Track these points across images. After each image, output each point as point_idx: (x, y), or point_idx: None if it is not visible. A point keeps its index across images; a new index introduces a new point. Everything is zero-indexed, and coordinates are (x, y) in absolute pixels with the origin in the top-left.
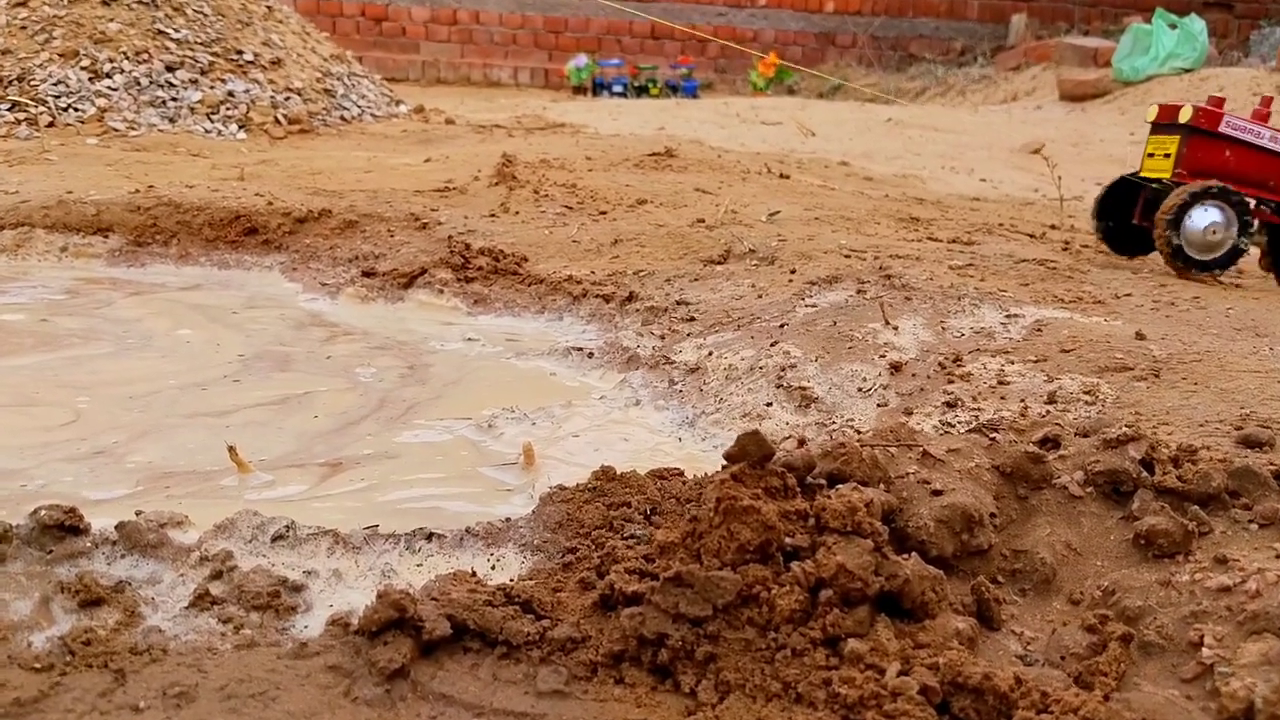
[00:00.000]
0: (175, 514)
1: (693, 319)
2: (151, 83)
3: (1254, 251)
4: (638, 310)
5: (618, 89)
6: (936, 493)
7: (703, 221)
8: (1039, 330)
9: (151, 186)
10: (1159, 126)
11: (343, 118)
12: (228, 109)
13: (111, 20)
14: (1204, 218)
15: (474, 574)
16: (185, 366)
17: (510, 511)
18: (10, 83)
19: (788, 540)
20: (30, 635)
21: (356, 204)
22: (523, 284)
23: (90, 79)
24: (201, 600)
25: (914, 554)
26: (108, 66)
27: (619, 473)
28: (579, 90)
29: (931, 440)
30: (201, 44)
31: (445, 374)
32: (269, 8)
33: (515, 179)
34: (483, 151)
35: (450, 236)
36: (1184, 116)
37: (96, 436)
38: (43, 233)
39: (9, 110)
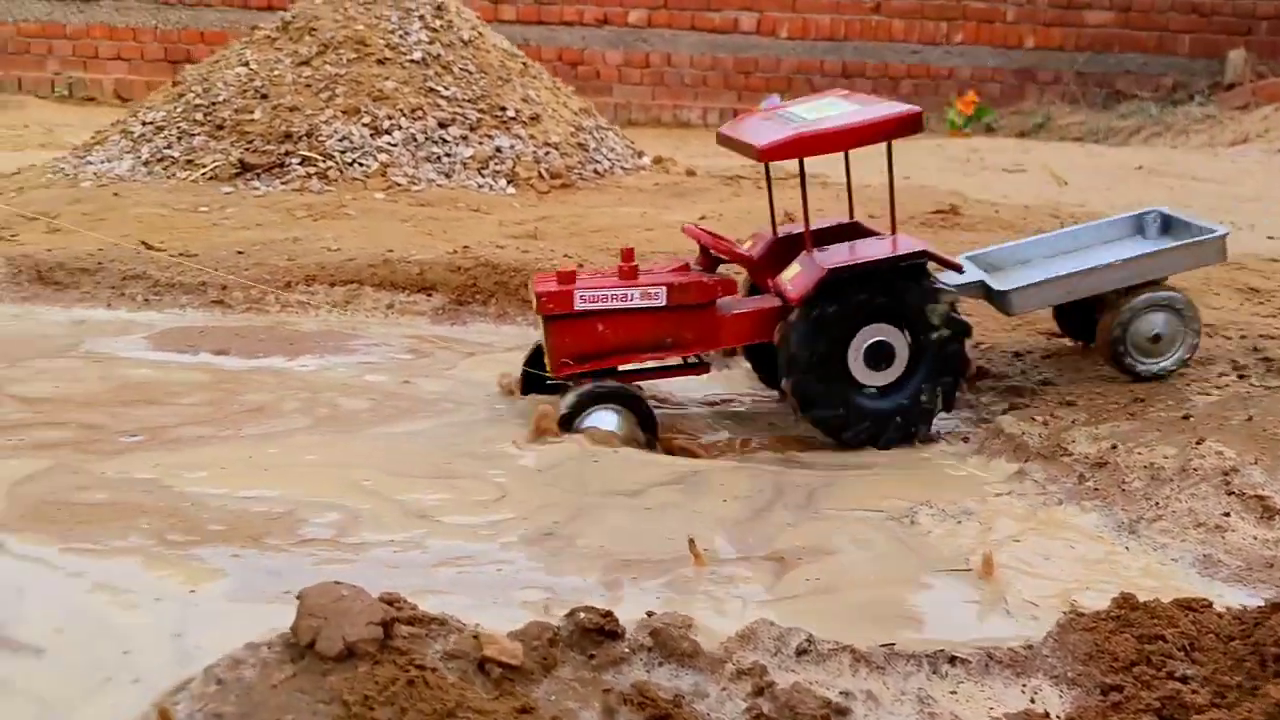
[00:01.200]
0: (684, 616)
1: (1071, 403)
2: (427, 139)
3: None
4: (995, 389)
5: None
6: None
7: None
8: None
9: (467, 247)
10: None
11: (595, 171)
12: (496, 164)
13: (388, 79)
14: (596, 423)
15: (1047, 715)
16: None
17: (996, 630)
18: (300, 138)
19: None
20: None
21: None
22: None
23: (371, 135)
24: None
25: None
26: (387, 123)
27: (1141, 601)
28: None
29: None
30: (469, 101)
31: (824, 457)
32: (524, 64)
33: None
34: (750, 207)
35: None
36: (535, 305)
37: (534, 516)
38: (370, 290)
39: (300, 164)
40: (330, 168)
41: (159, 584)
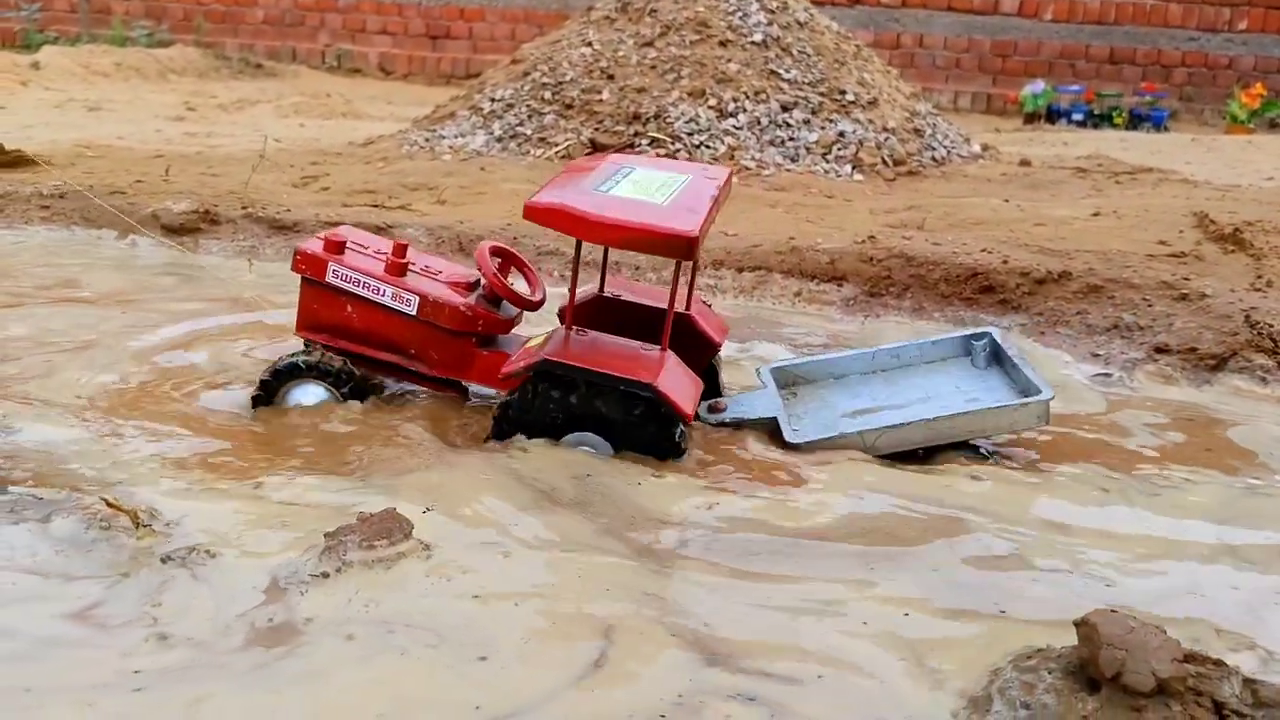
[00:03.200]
0: None
1: None
2: (770, 122)
3: None
4: None
5: (1076, 117)
6: None
7: None
8: None
9: (873, 237)
10: None
11: (933, 158)
12: (839, 149)
13: (730, 61)
14: (299, 397)
15: None
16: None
17: None
18: (649, 119)
19: None
20: None
21: (1094, 266)
22: None
23: (717, 117)
24: None
25: None
26: (731, 105)
27: None
28: (1032, 118)
29: None
30: (809, 84)
31: None
32: (857, 46)
33: (1242, 244)
34: (1149, 205)
35: (1248, 315)
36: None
37: None
38: (779, 277)
39: (649, 145)
40: (679, 150)
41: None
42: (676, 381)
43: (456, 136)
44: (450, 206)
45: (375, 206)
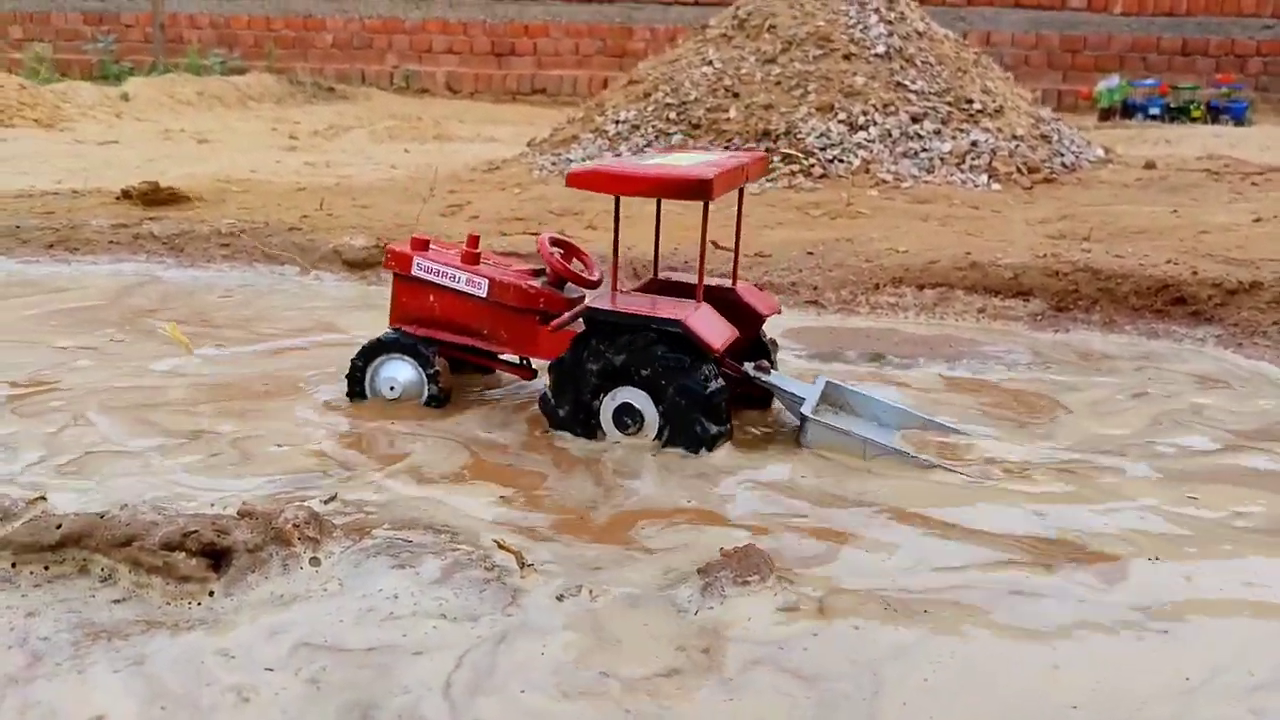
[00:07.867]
0: None
1: None
2: (902, 134)
3: None
4: None
5: (1153, 111)
6: None
7: None
8: None
9: (1056, 254)
10: None
11: (1063, 164)
12: (972, 158)
13: (855, 74)
14: (387, 372)
15: None
16: None
17: None
18: (778, 136)
19: None
20: None
21: None
22: None
23: (848, 131)
24: None
25: None
26: (861, 119)
27: None
28: (1107, 114)
29: None
30: (935, 94)
31: None
32: (976, 54)
33: None
34: None
35: None
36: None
37: None
38: (961, 293)
39: (780, 161)
40: (813, 165)
41: None
42: (706, 322)
43: (584, 159)
44: (604, 231)
45: (534, 235)
